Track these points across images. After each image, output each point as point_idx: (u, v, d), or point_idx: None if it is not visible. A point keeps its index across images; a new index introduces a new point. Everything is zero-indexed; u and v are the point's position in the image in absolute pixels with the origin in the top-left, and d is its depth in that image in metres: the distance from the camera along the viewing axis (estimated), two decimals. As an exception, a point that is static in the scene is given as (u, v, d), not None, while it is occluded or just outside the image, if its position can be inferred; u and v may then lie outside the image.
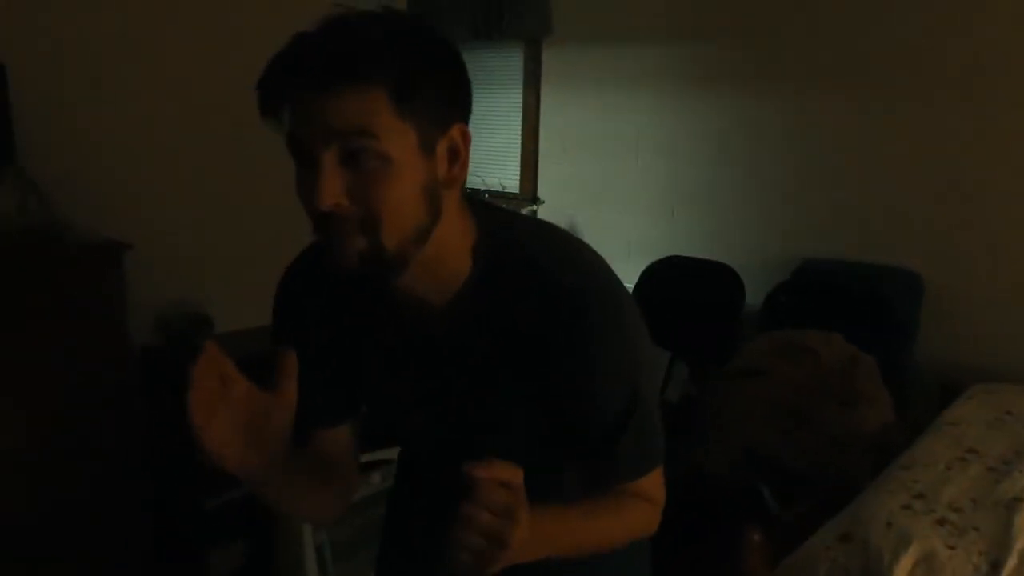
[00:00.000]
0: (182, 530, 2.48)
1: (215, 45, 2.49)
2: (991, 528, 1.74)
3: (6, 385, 1.87)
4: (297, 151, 0.82)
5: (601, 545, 1.01)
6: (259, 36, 2.55)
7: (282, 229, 2.70)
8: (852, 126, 3.19)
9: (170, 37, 2.41)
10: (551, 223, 1.03)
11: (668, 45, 3.67)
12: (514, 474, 0.80)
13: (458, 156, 0.87)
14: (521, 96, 4.17)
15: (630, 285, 3.56)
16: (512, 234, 0.96)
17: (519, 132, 4.20)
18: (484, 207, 0.98)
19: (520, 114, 4.19)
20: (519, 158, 4.24)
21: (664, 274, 3.54)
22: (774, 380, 2.50)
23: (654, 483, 1.04)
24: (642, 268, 3.58)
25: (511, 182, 4.29)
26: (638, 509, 1.03)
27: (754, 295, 3.31)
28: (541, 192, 4.21)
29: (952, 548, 1.67)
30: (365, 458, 2.17)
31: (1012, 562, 1.64)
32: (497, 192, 4.25)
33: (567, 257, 0.95)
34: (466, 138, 0.87)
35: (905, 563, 1.64)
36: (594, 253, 0.98)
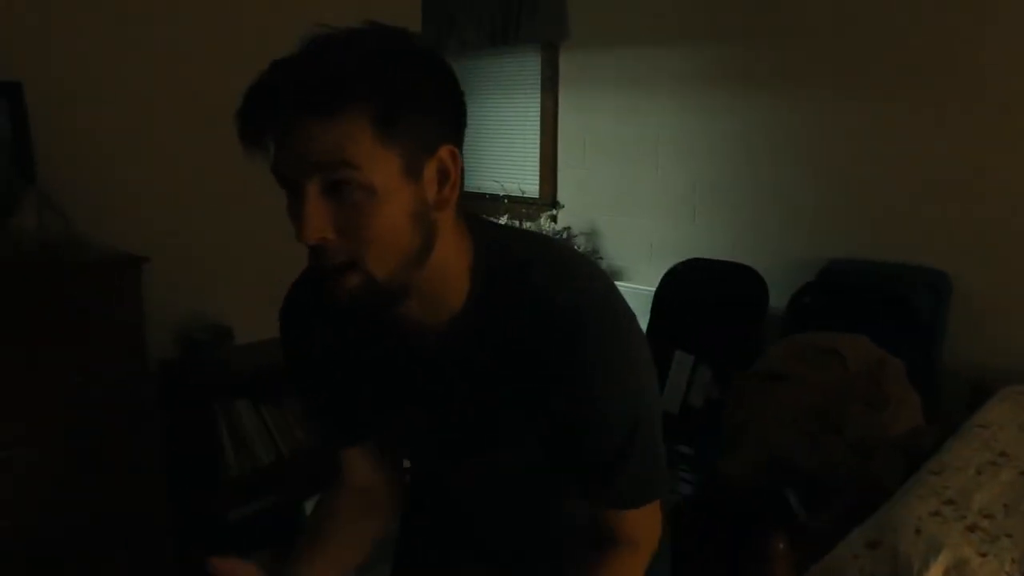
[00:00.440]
0: (205, 542, 2.49)
1: (232, 59, 2.49)
2: (1024, 535, 1.70)
3: (26, 400, 1.88)
4: (282, 181, 0.81)
5: None
6: (277, 49, 2.57)
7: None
8: (876, 125, 3.15)
9: (186, 52, 2.42)
10: (549, 237, 1.01)
11: (686, 47, 3.64)
12: None
13: (448, 177, 0.84)
14: (539, 100, 4.16)
15: (651, 288, 3.53)
16: (507, 252, 0.93)
17: (537, 137, 4.19)
18: (481, 224, 0.96)
19: (538, 118, 4.18)
20: (538, 162, 4.23)
21: (686, 276, 3.51)
22: (800, 383, 2.46)
23: (646, 520, 1.01)
24: (664, 271, 3.55)
25: (530, 187, 4.28)
26: (630, 565, 1.01)
27: (778, 297, 3.26)
28: (560, 196, 4.20)
29: (983, 555, 1.63)
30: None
31: (1046, 570, 1.60)
32: (516, 197, 4.24)
33: (562, 274, 0.91)
34: (456, 159, 0.84)
35: (935, 571, 1.60)
36: (593, 268, 0.96)
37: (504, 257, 0.92)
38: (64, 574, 1.98)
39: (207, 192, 2.53)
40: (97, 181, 2.25)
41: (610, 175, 4.00)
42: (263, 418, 2.61)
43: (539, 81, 4.14)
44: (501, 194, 4.21)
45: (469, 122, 0.87)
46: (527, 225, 4.08)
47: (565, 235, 3.99)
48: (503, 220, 3.84)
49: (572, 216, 4.08)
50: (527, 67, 4.17)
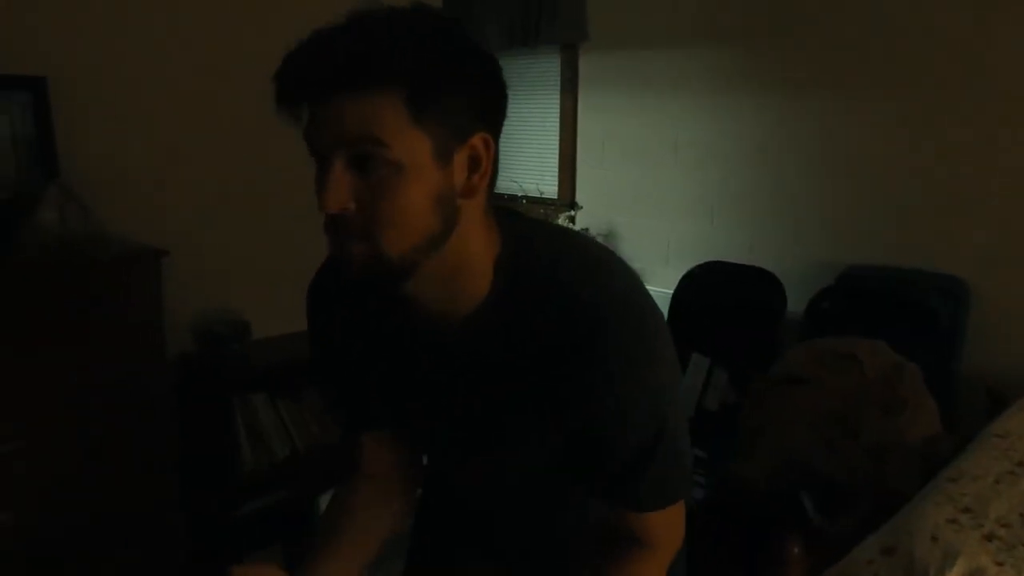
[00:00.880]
0: (218, 535, 2.50)
1: (252, 55, 2.51)
2: (1042, 544, 1.67)
3: (46, 392, 1.90)
4: (311, 148, 0.81)
5: None
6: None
7: (319, 235, 2.73)
8: (895, 131, 3.12)
9: (207, 48, 2.44)
10: (579, 232, 0.99)
11: (706, 49, 3.62)
12: None
13: (479, 165, 0.84)
14: (558, 101, 4.15)
15: (669, 291, 3.52)
16: (533, 245, 0.92)
17: (556, 137, 4.19)
18: (510, 217, 0.95)
19: (557, 119, 4.17)
20: (556, 163, 4.23)
21: (704, 279, 3.50)
22: (817, 387, 2.45)
23: (668, 522, 1.00)
24: (681, 273, 3.53)
25: (549, 187, 4.27)
26: (648, 568, 1.00)
27: (796, 301, 3.24)
28: (579, 197, 4.19)
29: (1000, 564, 1.61)
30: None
31: (1064, 580, 1.58)
32: (535, 198, 4.24)
33: (588, 269, 0.90)
34: (489, 147, 0.84)
35: (951, 579, 1.58)
36: (621, 265, 0.94)
37: (530, 251, 0.91)
38: (74, 557, 1.99)
39: (227, 188, 2.55)
40: (118, 176, 2.27)
41: (629, 177, 3.98)
42: (279, 413, 2.63)
43: (559, 82, 4.13)
44: (519, 194, 4.21)
45: None
46: (545, 226, 4.06)
47: (583, 236, 3.97)
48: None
49: (590, 217, 4.08)
50: (546, 68, 4.16)
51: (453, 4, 2.96)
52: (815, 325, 3.08)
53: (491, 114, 0.85)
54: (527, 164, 4.30)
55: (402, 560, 1.37)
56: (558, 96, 4.14)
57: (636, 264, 3.88)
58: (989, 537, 1.69)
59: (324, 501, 2.29)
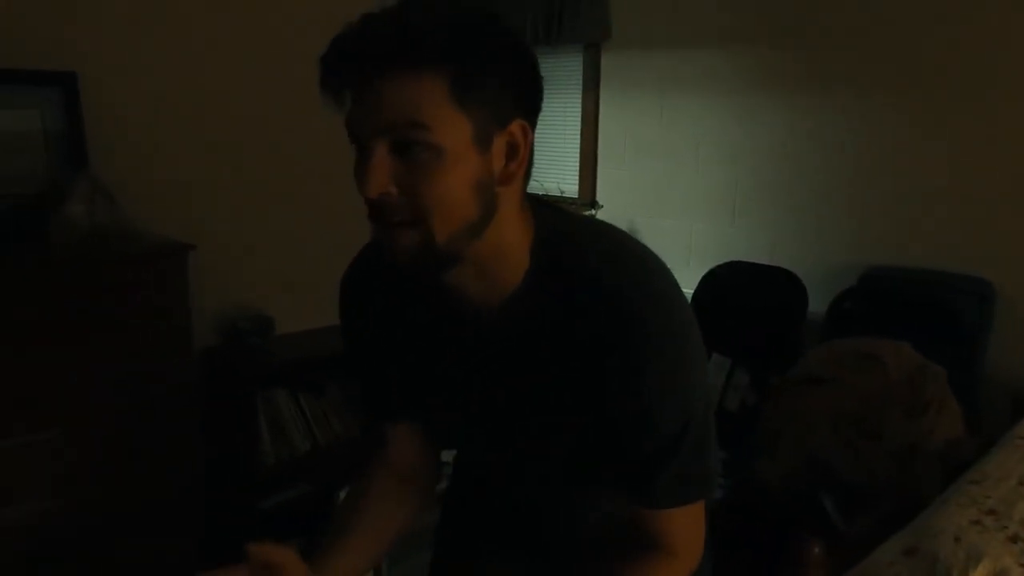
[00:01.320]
0: (240, 528, 2.53)
1: (279, 51, 2.54)
2: (1067, 547, 1.66)
3: (73, 384, 1.93)
4: (353, 135, 0.82)
5: None
6: (323, 40, 2.60)
7: (343, 232, 2.75)
8: (918, 130, 3.10)
9: (234, 44, 2.46)
10: (615, 227, 0.98)
11: (729, 49, 3.62)
12: None
13: (517, 153, 0.85)
14: (580, 100, 4.16)
15: (690, 290, 3.52)
16: (568, 236, 0.93)
17: (578, 136, 4.19)
18: (547, 208, 0.96)
19: (579, 118, 4.18)
20: (578, 162, 4.23)
21: (725, 279, 3.49)
22: (839, 389, 2.43)
23: (687, 527, 0.99)
24: (702, 273, 3.53)
25: (569, 187, 4.28)
26: (652, 573, 0.98)
27: (817, 302, 3.23)
28: (600, 196, 4.19)
29: (1025, 567, 1.60)
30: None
31: (1089, 583, 1.56)
32: (555, 197, 4.25)
33: (623, 263, 0.91)
34: (527, 135, 0.85)
35: (975, 580, 1.58)
36: (656, 260, 0.94)
37: (566, 242, 0.92)
38: (109, 552, 2.02)
39: (253, 185, 2.57)
40: (146, 171, 2.30)
41: (650, 176, 3.98)
42: (301, 408, 2.65)
43: (580, 81, 4.14)
44: (541, 193, 4.21)
45: None
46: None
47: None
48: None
49: (611, 216, 4.08)
50: (569, 67, 4.17)
51: (476, 3, 2.97)
52: (837, 326, 3.07)
53: (529, 102, 0.86)
54: (548, 163, 4.31)
55: (427, 553, 1.38)
56: (580, 95, 4.15)
57: (657, 264, 3.88)
58: (1014, 539, 1.68)
59: (344, 496, 2.31)
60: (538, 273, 0.91)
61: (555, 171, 4.29)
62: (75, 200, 1.99)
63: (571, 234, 0.94)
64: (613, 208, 4.11)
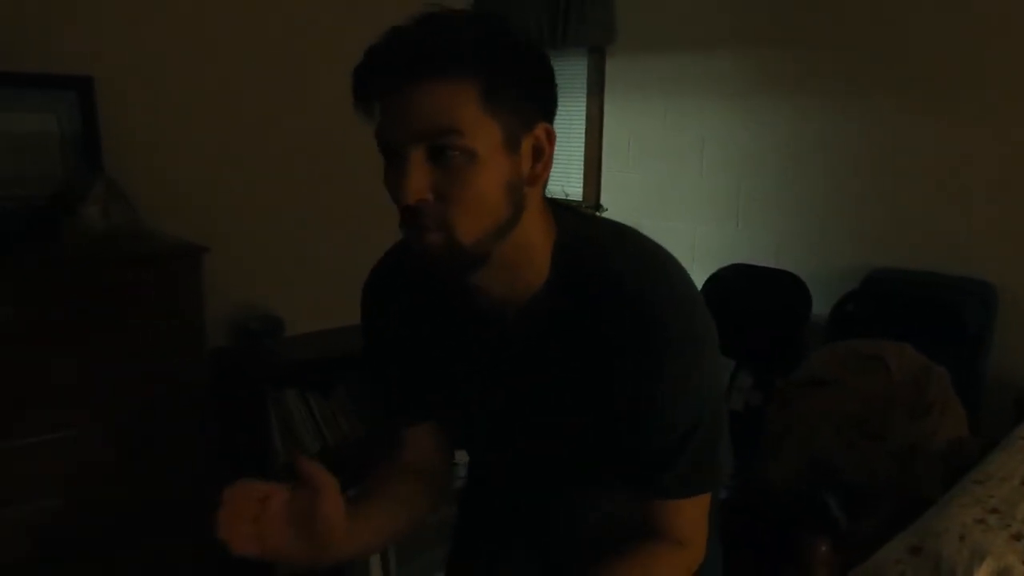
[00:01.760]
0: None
1: (291, 56, 2.57)
2: (1070, 545, 1.69)
3: (92, 382, 1.95)
4: (385, 143, 0.85)
5: None
6: (335, 45, 2.63)
7: (352, 235, 2.78)
8: (921, 133, 3.13)
9: (246, 49, 2.49)
10: (635, 229, 1.01)
11: (733, 52, 3.64)
12: None
13: (542, 154, 0.89)
14: (584, 103, 4.18)
15: (694, 293, 3.54)
16: (592, 238, 0.96)
17: (582, 140, 4.22)
18: (567, 210, 0.99)
19: (583, 121, 4.20)
20: (582, 165, 4.26)
21: (729, 282, 3.51)
22: (843, 390, 2.46)
23: (694, 517, 1.01)
24: (707, 275, 3.55)
25: (574, 189, 4.31)
26: (673, 563, 1.00)
27: (821, 304, 3.26)
28: (604, 199, 4.22)
29: (1028, 564, 1.63)
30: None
31: (1092, 581, 1.59)
32: (560, 199, 4.27)
33: (644, 264, 0.93)
34: (551, 137, 0.89)
35: (979, 578, 1.60)
36: (676, 262, 0.97)
37: (587, 243, 0.95)
38: (125, 548, 2.05)
39: (263, 188, 2.60)
40: (159, 173, 2.33)
41: (654, 179, 4.01)
42: (311, 408, 2.68)
43: (585, 85, 4.16)
44: (545, 195, 4.24)
45: None
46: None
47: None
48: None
49: (615, 219, 4.10)
50: (573, 71, 4.20)
51: (483, 5, 2.99)
52: (840, 328, 3.09)
53: (550, 106, 0.89)
54: (553, 166, 4.33)
55: (434, 553, 1.39)
56: (584, 98, 4.18)
57: (661, 266, 3.90)
58: (1017, 537, 1.70)
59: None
60: (561, 274, 0.94)
61: (559, 174, 4.32)
62: (91, 202, 2.02)
63: (593, 236, 0.97)
64: (617, 211, 4.13)
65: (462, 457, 1.31)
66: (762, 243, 3.62)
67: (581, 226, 0.98)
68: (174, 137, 2.37)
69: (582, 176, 4.27)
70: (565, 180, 4.31)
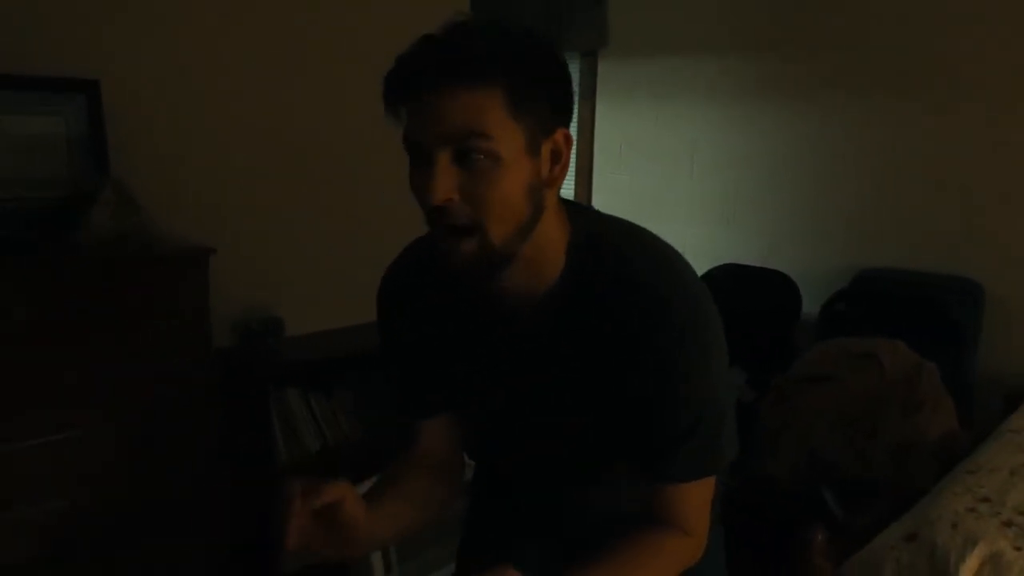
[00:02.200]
0: (255, 527, 2.57)
1: (296, 58, 2.59)
2: (1059, 531, 1.75)
3: (98, 383, 1.97)
4: (413, 149, 0.89)
5: None
6: (339, 49, 2.66)
7: (353, 237, 2.81)
8: (909, 135, 3.20)
9: (253, 51, 2.51)
10: (643, 227, 1.05)
11: (724, 56, 3.70)
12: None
13: (560, 158, 0.93)
14: (577, 107, 4.22)
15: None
16: (602, 234, 1.00)
17: (574, 142, 4.26)
18: (577, 207, 1.03)
19: (576, 124, 4.25)
20: (574, 167, 4.30)
21: (721, 282, 3.57)
22: (837, 386, 2.52)
23: (698, 505, 1.04)
24: (699, 275, 3.59)
25: (566, 191, 4.35)
26: (678, 549, 1.03)
27: (811, 303, 3.32)
28: (596, 201, 4.26)
29: (1019, 549, 1.68)
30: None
31: (1080, 565, 1.64)
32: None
33: (660, 262, 0.98)
34: (568, 141, 0.93)
35: (971, 563, 1.66)
36: (684, 260, 1.01)
37: (600, 239, 0.99)
38: (131, 548, 2.06)
39: (266, 189, 2.62)
40: (164, 175, 2.35)
41: (646, 181, 4.06)
42: (311, 408, 2.70)
43: (577, 88, 4.21)
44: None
45: None
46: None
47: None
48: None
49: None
50: (566, 74, 4.24)
51: (477, 10, 3.03)
52: (830, 327, 3.15)
53: (567, 112, 0.94)
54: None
55: (435, 551, 1.38)
56: (577, 102, 4.21)
57: (654, 267, 3.95)
58: (1008, 524, 1.76)
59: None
60: (575, 270, 0.98)
61: (552, 176, 4.36)
62: (100, 204, 2.03)
63: (605, 232, 1.01)
64: (609, 213, 4.18)
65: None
66: (753, 244, 3.68)
67: (593, 223, 1.02)
68: (179, 140, 2.39)
69: (574, 178, 4.32)
70: (558, 182, 4.35)
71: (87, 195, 2.05)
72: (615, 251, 0.98)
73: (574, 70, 4.21)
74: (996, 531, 1.74)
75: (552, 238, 0.97)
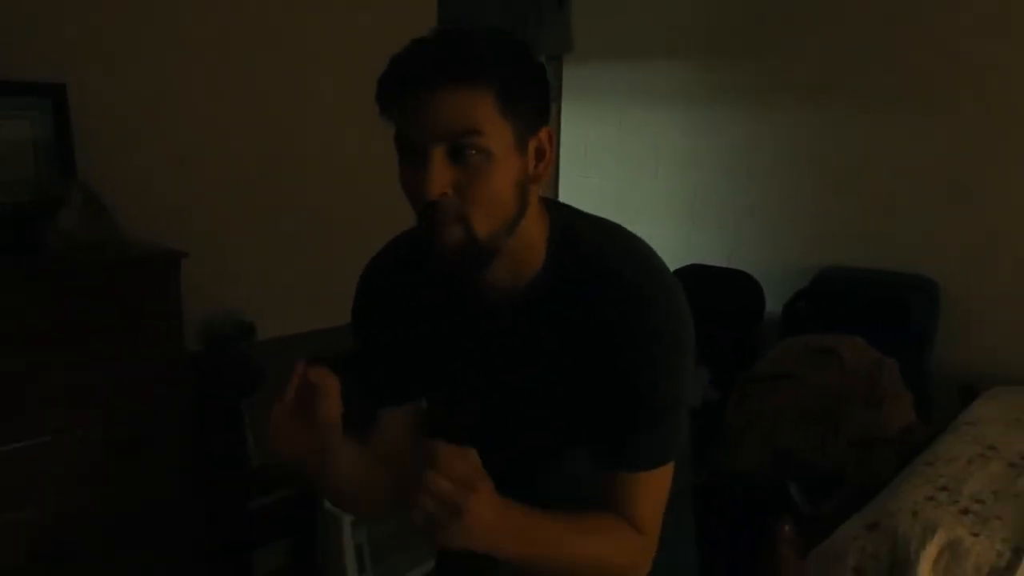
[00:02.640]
0: (230, 529, 2.57)
1: (265, 61, 2.60)
2: (1013, 517, 1.82)
3: (68, 389, 1.96)
4: (405, 147, 0.92)
5: (581, 564, 1.00)
6: (308, 52, 2.67)
7: (324, 241, 2.81)
8: (868, 136, 3.28)
9: (221, 54, 2.51)
10: (619, 224, 1.09)
11: (687, 61, 3.77)
12: (471, 451, 0.87)
13: (544, 155, 0.97)
14: (543, 110, 4.26)
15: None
16: (584, 231, 1.04)
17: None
18: (555, 204, 1.07)
19: (542, 128, 4.28)
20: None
21: (686, 282, 3.56)
22: (800, 383, 2.58)
23: (655, 503, 1.05)
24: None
25: (533, 194, 4.38)
26: (628, 538, 1.03)
27: (774, 302, 3.39)
28: (562, 204, 4.30)
29: (976, 535, 1.75)
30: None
31: (1034, 549, 1.71)
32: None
33: (637, 257, 1.02)
34: (551, 139, 0.98)
35: (931, 550, 1.72)
36: (658, 256, 1.05)
37: (578, 235, 1.03)
38: (104, 555, 2.05)
39: (236, 192, 2.62)
40: (133, 179, 2.34)
41: (611, 185, 4.12)
42: (283, 412, 2.70)
43: (543, 92, 4.25)
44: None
45: None
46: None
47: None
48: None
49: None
50: (531, 78, 4.28)
51: (444, 14, 3.05)
52: (792, 325, 3.22)
53: (547, 112, 0.98)
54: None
55: (407, 554, 1.37)
56: (544, 105, 4.25)
57: (620, 268, 4.00)
58: (965, 511, 1.83)
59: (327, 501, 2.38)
60: (556, 263, 1.02)
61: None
62: (67, 209, 2.02)
63: (583, 229, 1.05)
64: (577, 214, 4.22)
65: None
66: (716, 244, 3.75)
67: (572, 219, 1.06)
68: (147, 143, 2.38)
69: (540, 182, 4.35)
70: (524, 185, 4.38)
71: (54, 199, 2.03)
72: (593, 247, 1.02)
73: (539, 74, 4.25)
74: (954, 518, 1.81)
75: (534, 233, 1.01)
